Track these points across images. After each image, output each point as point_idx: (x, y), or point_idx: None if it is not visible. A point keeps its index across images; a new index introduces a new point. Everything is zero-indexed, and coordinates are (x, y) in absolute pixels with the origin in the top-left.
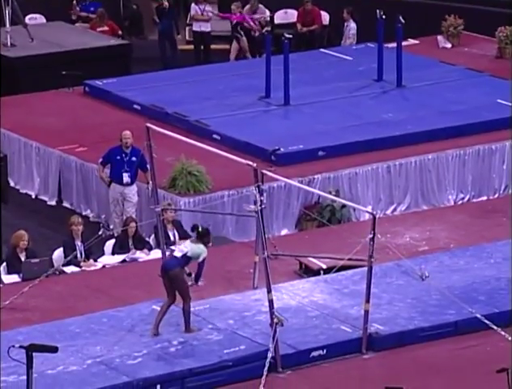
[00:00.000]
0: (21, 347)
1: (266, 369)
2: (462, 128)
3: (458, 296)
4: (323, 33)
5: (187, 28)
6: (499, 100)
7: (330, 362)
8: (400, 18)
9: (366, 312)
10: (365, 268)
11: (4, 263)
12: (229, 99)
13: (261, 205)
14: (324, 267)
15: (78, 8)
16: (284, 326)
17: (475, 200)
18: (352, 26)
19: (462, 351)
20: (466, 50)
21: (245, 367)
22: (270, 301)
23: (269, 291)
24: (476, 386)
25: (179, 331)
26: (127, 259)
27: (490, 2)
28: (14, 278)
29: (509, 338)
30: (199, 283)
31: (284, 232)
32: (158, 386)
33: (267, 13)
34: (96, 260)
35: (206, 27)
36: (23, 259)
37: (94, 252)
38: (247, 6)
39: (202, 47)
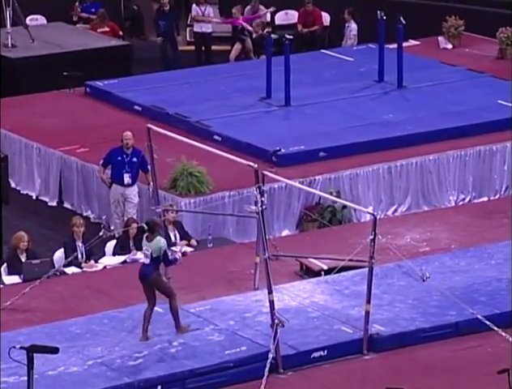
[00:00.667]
0: (22, 348)
1: (267, 370)
2: (463, 129)
3: (459, 297)
4: (324, 34)
5: (188, 29)
6: (500, 101)
7: (331, 363)
8: (401, 19)
9: (367, 313)
10: (366, 269)
11: (5, 264)
12: (230, 100)
13: (262, 206)
14: (325, 267)
15: (79, 9)
16: (285, 327)
17: (476, 201)
18: (352, 27)
19: (463, 352)
20: (467, 51)
21: (246, 368)
22: (271, 302)
23: (270, 292)
24: (477, 387)
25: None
26: (128, 260)
27: (491, 3)
28: (15, 279)
29: (510, 339)
30: (178, 263)
31: (285, 232)
32: (159, 387)
33: (268, 14)
34: (96, 261)
35: (207, 28)
36: (23, 260)
37: (95, 253)
38: (247, 7)
39: (203, 48)
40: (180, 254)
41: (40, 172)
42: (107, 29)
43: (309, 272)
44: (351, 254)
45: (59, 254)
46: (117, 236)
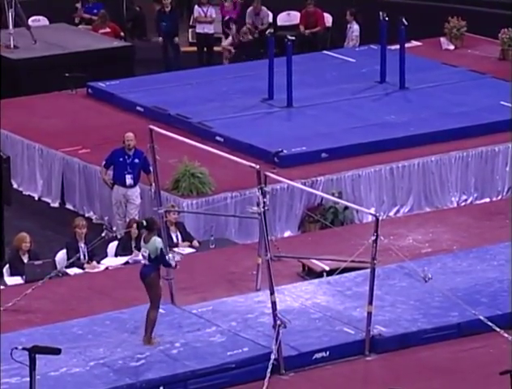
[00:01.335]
0: (24, 349)
1: (269, 371)
2: (465, 130)
3: (461, 298)
4: (326, 35)
5: (190, 30)
6: (502, 102)
7: (333, 364)
8: (403, 20)
9: (369, 314)
10: (368, 270)
11: (7, 265)
12: (232, 101)
13: (264, 207)
14: (327, 268)
15: (81, 11)
16: (287, 328)
17: (478, 202)
18: (354, 28)
19: (465, 353)
20: (469, 52)
21: (247, 369)
22: (273, 303)
23: (272, 293)
24: None
25: (182, 333)
26: (130, 261)
27: (493, 4)
28: (17, 280)
29: None
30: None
31: (287, 233)
32: (161, 388)
33: (270, 15)
34: (99, 262)
35: (209, 29)
36: (25, 261)
37: (97, 254)
38: (250, 8)
39: (205, 49)
40: (174, 263)
41: (42, 173)
42: (108, 30)
43: (311, 273)
44: (353, 255)
45: (61, 255)
46: (119, 237)
